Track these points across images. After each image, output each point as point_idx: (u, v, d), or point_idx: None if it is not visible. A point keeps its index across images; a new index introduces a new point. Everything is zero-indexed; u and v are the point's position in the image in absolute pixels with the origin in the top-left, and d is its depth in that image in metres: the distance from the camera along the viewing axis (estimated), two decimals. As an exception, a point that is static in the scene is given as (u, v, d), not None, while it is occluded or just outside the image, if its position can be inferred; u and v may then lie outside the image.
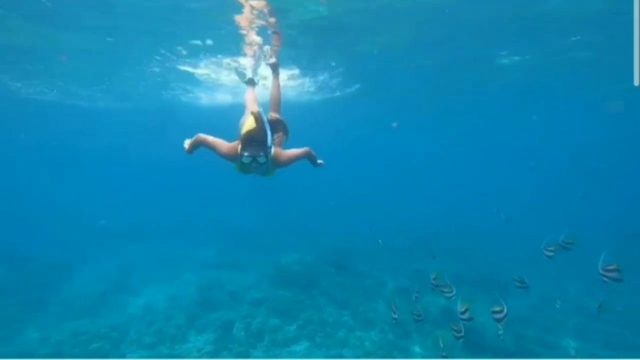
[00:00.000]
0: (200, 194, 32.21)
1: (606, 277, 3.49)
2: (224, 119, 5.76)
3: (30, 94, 14.06)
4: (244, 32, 7.57)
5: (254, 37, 7.70)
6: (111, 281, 11.85)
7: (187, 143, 3.82)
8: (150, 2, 6.61)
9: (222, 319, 8.97)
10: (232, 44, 8.39)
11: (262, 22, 7.04)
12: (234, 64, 9.99)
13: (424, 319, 4.91)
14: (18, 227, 18.11)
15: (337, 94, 14.58)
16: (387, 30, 8.16)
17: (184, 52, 9.55)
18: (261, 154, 3.00)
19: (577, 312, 9.63)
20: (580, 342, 8.42)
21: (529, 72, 11.60)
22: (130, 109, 17.53)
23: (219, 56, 9.66)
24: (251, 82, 5.80)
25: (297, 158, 3.55)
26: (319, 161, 3.89)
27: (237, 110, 4.78)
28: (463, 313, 3.85)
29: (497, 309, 3.93)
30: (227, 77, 11.61)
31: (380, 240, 8.99)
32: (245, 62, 9.32)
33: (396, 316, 4.76)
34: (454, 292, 4.27)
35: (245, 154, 3.01)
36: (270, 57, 8.25)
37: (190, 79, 12.09)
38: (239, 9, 6.50)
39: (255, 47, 8.14)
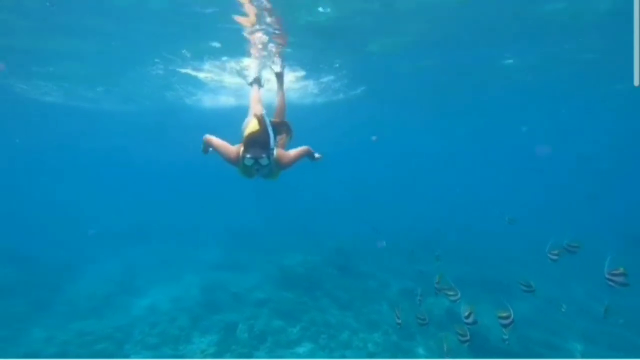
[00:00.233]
0: (204, 195, 32.30)
1: (612, 281, 3.46)
2: (227, 121, 5.77)
3: (37, 95, 14.18)
4: (247, 34, 7.59)
5: (258, 37, 7.71)
6: (115, 282, 11.91)
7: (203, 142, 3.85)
8: (156, 4, 6.65)
9: (225, 320, 8.99)
10: (236, 45, 8.40)
11: (267, 22, 7.04)
12: (237, 67, 10.02)
13: (429, 322, 4.90)
14: (24, 228, 18.26)
15: (341, 96, 14.58)
16: (393, 32, 8.15)
17: (188, 55, 9.61)
18: (263, 155, 3.02)
19: (582, 315, 9.55)
20: (586, 344, 8.36)
21: (534, 72, 11.55)
22: (134, 111, 17.64)
23: (224, 58, 9.68)
24: (257, 81, 5.75)
25: (299, 158, 3.57)
26: (317, 155, 3.88)
27: (241, 112, 4.80)
28: (467, 317, 3.83)
29: (504, 314, 3.90)
30: (231, 80, 11.65)
31: (384, 242, 8.99)
32: (250, 63, 9.34)
33: (400, 321, 4.75)
34: (459, 295, 4.26)
35: (248, 155, 3.02)
36: (276, 65, 8.28)
37: (194, 81, 12.15)
38: (242, 10, 6.52)
39: (260, 46, 8.13)
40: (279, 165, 3.42)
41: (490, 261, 13.37)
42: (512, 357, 7.14)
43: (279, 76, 5.61)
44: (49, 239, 16.01)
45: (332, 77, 11.99)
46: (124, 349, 8.06)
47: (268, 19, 6.90)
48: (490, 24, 7.70)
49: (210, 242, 16.73)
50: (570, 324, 9.17)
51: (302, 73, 11.25)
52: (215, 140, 3.54)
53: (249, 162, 3.04)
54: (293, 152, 3.56)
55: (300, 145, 3.77)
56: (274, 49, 8.18)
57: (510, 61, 10.56)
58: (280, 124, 3.89)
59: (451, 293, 4.25)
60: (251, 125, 3.65)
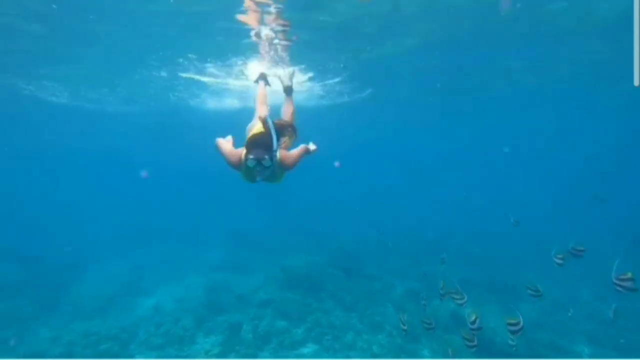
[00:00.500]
0: (208, 197, 32.43)
1: (620, 286, 3.42)
2: (232, 122, 5.77)
3: (44, 96, 14.29)
4: (254, 35, 7.61)
5: (266, 37, 7.71)
6: (120, 283, 12.00)
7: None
8: (160, 7, 6.68)
9: (229, 321, 9.03)
10: (243, 46, 8.42)
11: (270, 21, 7.04)
12: (244, 68, 10.02)
13: (435, 327, 4.84)
14: (30, 229, 18.46)
15: (346, 98, 14.56)
16: (402, 33, 8.14)
17: (193, 57, 9.63)
18: (266, 157, 3.02)
19: (589, 317, 9.44)
20: (594, 347, 8.26)
21: (540, 73, 11.45)
22: (138, 112, 17.73)
23: (230, 60, 9.66)
24: (263, 78, 5.70)
25: (302, 157, 3.59)
26: (312, 148, 3.86)
27: (245, 114, 4.80)
28: (473, 323, 3.79)
29: (513, 320, 3.83)
30: (236, 82, 11.67)
31: (390, 243, 8.94)
32: (257, 64, 9.35)
33: (406, 328, 4.71)
34: (465, 298, 4.21)
35: (250, 156, 3.02)
36: (285, 76, 8.33)
37: (199, 82, 12.18)
38: (244, 9, 6.51)
39: (266, 44, 8.12)
40: (283, 167, 3.43)
41: (496, 262, 13.27)
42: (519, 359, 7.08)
43: (288, 90, 5.26)
44: (56, 239, 16.16)
45: (338, 80, 11.96)
46: (129, 349, 8.11)
47: (274, 21, 6.91)
48: (500, 25, 7.64)
49: (214, 243, 16.81)
50: (578, 327, 9.07)
51: (307, 75, 11.24)
52: (222, 145, 3.59)
53: (251, 164, 3.04)
54: (295, 152, 3.58)
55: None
56: (280, 48, 8.16)
57: (516, 62, 10.48)
58: (285, 125, 3.88)
59: (458, 297, 4.21)
60: (255, 128, 3.67)
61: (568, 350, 8.06)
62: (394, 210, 23.59)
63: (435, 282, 4.87)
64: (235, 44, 8.37)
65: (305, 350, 8.01)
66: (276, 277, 11.13)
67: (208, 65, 10.16)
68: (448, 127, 22.90)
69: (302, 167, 3.69)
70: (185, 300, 10.50)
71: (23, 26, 7.62)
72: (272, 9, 6.46)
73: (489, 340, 7.53)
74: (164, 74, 11.19)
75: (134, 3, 6.56)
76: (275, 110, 5.09)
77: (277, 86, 5.82)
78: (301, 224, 19.42)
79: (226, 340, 8.25)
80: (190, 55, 9.42)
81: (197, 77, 11.19)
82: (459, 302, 4.21)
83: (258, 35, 7.63)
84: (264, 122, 3.53)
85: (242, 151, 3.29)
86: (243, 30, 7.42)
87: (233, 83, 11.79)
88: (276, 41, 8.03)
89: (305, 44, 8.24)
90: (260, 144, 3.06)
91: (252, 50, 8.57)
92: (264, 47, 8.34)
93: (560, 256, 4.41)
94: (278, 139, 3.61)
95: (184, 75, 11.05)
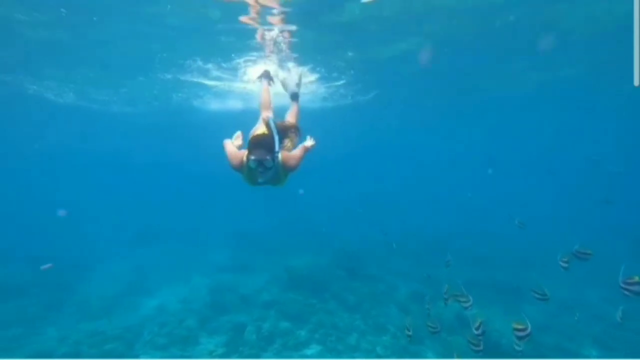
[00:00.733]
0: (212, 198, 32.53)
1: (628, 290, 3.38)
2: (235, 124, 5.79)
3: (51, 96, 14.43)
4: (258, 36, 7.64)
5: (266, 36, 7.73)
6: (125, 283, 12.07)
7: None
8: (163, 9, 6.72)
9: (233, 321, 9.04)
10: (248, 47, 8.45)
11: (272, 22, 7.06)
12: (249, 69, 10.06)
13: (440, 330, 4.80)
14: (37, 229, 18.65)
15: (350, 100, 14.56)
16: (405, 36, 8.11)
17: (198, 59, 9.68)
18: (267, 157, 3.02)
19: (596, 320, 9.33)
20: (601, 350, 8.15)
21: (545, 75, 11.35)
22: (142, 113, 17.84)
23: (235, 61, 9.69)
24: (266, 76, 5.66)
25: (303, 156, 3.59)
26: (309, 144, 3.84)
27: (249, 115, 4.81)
28: (477, 328, 3.75)
29: (520, 326, 3.78)
30: (240, 84, 11.71)
31: (394, 244, 8.90)
32: (263, 65, 9.38)
33: (410, 333, 4.68)
34: (471, 301, 4.17)
35: (252, 157, 3.02)
36: (291, 82, 8.35)
37: (203, 85, 12.24)
38: (247, 9, 6.53)
39: (271, 43, 8.14)
40: (285, 168, 3.42)
41: (501, 264, 13.16)
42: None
43: (294, 96, 5.24)
44: (61, 240, 16.30)
45: (344, 81, 11.95)
46: (134, 349, 8.15)
47: (279, 22, 6.92)
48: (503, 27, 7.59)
49: (218, 244, 16.85)
50: (584, 329, 8.96)
51: (313, 77, 11.24)
52: (227, 146, 3.62)
53: (253, 164, 3.04)
54: (296, 152, 3.58)
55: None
56: (284, 46, 8.17)
57: (522, 64, 10.41)
58: (288, 126, 3.88)
59: (463, 299, 4.18)
60: (259, 131, 3.68)
61: (575, 353, 7.96)
62: (398, 211, 23.49)
63: (439, 284, 4.83)
64: (239, 46, 8.41)
65: (309, 351, 8.00)
66: (280, 277, 11.13)
67: (211, 66, 10.21)
68: (452, 128, 22.80)
69: (305, 167, 3.69)
70: (189, 300, 10.53)
71: (29, 29, 7.72)
72: (276, 12, 6.48)
73: (495, 342, 7.47)
74: (168, 76, 11.26)
75: (136, 5, 6.62)
76: (279, 112, 5.10)
77: (280, 87, 5.83)
78: (305, 225, 19.43)
79: (230, 341, 8.26)
80: (194, 58, 9.47)
81: (202, 80, 11.24)
82: (465, 305, 4.18)
83: (263, 37, 7.66)
84: (267, 123, 3.54)
85: (244, 153, 3.31)
86: (247, 31, 7.45)
87: (237, 85, 11.84)
88: (282, 45, 8.05)
89: (310, 44, 8.25)
90: (262, 145, 3.06)
91: (257, 50, 8.60)
92: (269, 48, 8.37)
93: (565, 259, 4.36)
94: (280, 141, 3.62)
95: (188, 79, 11.10)
